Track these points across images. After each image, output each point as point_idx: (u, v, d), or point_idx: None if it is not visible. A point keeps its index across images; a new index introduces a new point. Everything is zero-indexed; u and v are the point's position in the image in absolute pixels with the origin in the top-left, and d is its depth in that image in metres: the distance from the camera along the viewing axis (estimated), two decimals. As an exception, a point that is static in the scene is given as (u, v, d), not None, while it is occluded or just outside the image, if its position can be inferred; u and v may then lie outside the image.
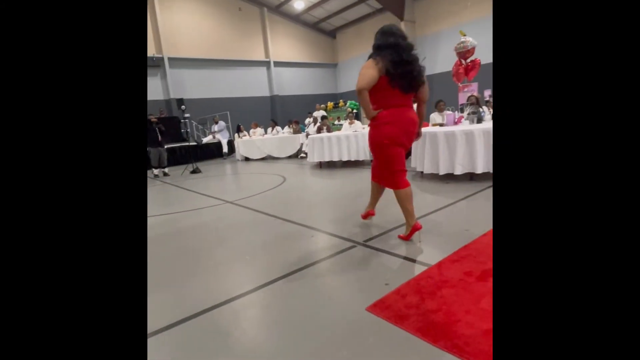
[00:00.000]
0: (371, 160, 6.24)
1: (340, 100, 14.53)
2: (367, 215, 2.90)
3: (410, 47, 2.17)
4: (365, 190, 4.36)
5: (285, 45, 16.55)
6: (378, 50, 2.18)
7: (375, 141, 2.34)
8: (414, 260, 2.09)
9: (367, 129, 6.86)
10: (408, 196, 2.32)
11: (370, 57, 2.21)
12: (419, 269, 1.95)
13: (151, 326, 1.63)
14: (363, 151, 6.24)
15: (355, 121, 7.63)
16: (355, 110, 10.88)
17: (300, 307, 1.69)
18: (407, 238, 2.40)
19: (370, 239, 2.51)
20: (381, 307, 1.58)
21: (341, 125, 9.26)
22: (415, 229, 2.34)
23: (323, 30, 17.71)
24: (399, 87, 2.16)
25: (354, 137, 6.25)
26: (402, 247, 2.28)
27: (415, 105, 2.42)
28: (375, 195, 2.74)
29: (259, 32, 15.77)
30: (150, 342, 1.52)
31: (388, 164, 2.35)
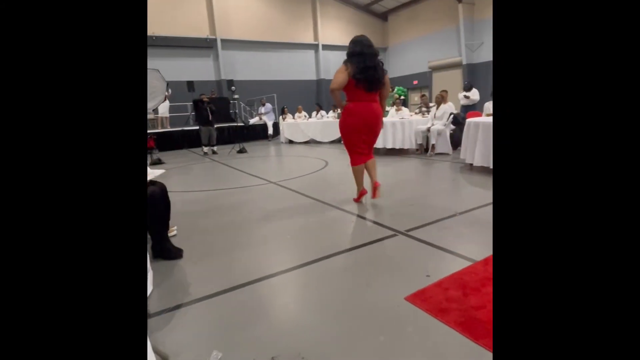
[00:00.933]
0: (416, 149, 6.06)
1: (388, 86, 14.10)
2: (360, 196, 3.22)
3: (373, 55, 2.82)
4: (409, 180, 4.24)
5: (335, 28, 16.29)
6: (348, 57, 2.83)
7: (341, 127, 3.08)
8: (458, 255, 2.01)
9: (414, 116, 6.63)
10: (358, 172, 3.11)
11: (344, 62, 2.83)
12: (462, 264, 1.87)
13: (196, 293, 1.74)
14: (409, 139, 6.05)
15: (403, 108, 7.40)
16: (403, 97, 10.53)
17: (338, 289, 1.71)
18: (357, 200, 3.21)
19: (413, 229, 2.45)
20: (421, 298, 1.55)
21: (387, 111, 9.03)
22: (362, 193, 3.17)
23: (374, 12, 17.14)
24: (363, 88, 2.81)
25: (400, 124, 6.07)
26: (445, 240, 2.21)
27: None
28: (359, 178, 3.19)
29: (309, 14, 15.65)
30: (194, 307, 1.63)
31: (347, 145, 3.11)
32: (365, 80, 2.78)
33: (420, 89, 15.89)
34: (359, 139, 2.99)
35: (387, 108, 10.49)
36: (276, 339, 1.35)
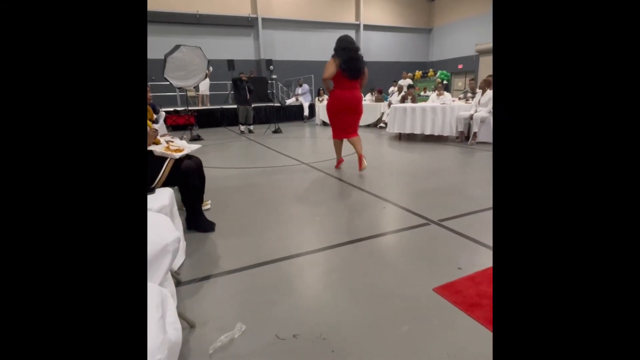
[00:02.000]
0: (457, 137, 5.80)
1: (430, 70, 13.48)
2: (338, 163, 3.97)
3: (355, 50, 3.52)
4: (446, 169, 4.07)
5: (378, 7, 15.69)
6: (336, 52, 3.47)
7: (328, 109, 3.80)
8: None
9: (457, 102, 6.31)
10: (337, 144, 3.91)
11: (332, 56, 3.46)
12: (498, 259, 1.77)
13: (225, 266, 1.79)
14: (449, 126, 5.78)
15: (445, 93, 7.05)
16: (445, 82, 10.04)
17: (364, 274, 1.69)
18: (336, 166, 3.98)
19: (446, 219, 2.35)
20: (450, 291, 1.49)
21: (427, 96, 8.65)
22: (339, 161, 3.95)
23: (421, -10, 16.28)
24: (347, 77, 3.48)
25: (440, 110, 5.80)
26: (481, 233, 2.10)
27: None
28: (338, 148, 3.98)
29: (352, -8, 15.18)
30: (223, 279, 1.68)
31: (332, 123, 3.84)
32: (349, 70, 3.44)
33: (465, 73, 15.05)
34: (342, 119, 3.71)
35: (428, 92, 10.07)
36: (298, 318, 1.36)
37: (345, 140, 3.91)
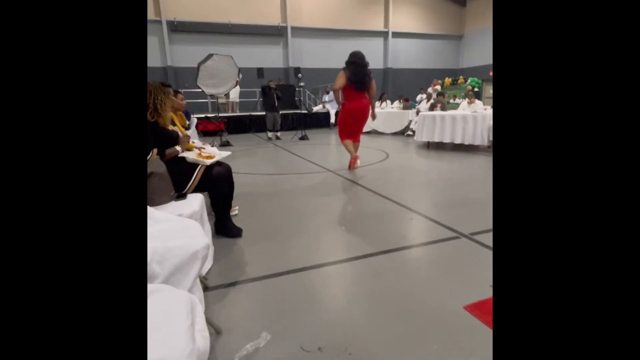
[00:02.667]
0: (488, 146, 5.61)
1: (461, 77, 13.16)
2: (355, 161, 4.18)
3: (363, 66, 3.90)
4: (477, 179, 3.93)
5: (408, 13, 15.58)
6: (346, 65, 3.89)
7: (340, 118, 4.27)
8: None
9: (489, 110, 6.12)
10: (347, 145, 4.21)
11: (342, 69, 3.86)
12: (535, 278, 1.68)
13: (252, 273, 1.81)
14: (480, 135, 5.59)
15: (476, 101, 6.85)
16: (476, 89, 9.76)
17: (392, 287, 1.64)
18: (349, 168, 4.28)
19: (477, 232, 2.26)
20: (482, 310, 1.42)
21: (457, 104, 8.44)
22: (351, 161, 4.19)
23: (452, -3, 16.03)
24: (355, 88, 3.89)
25: (471, 118, 5.63)
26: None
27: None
28: (350, 149, 4.25)
29: (381, 0, 15.16)
30: (249, 286, 1.69)
31: (340, 128, 4.29)
32: (355, 82, 3.85)
33: (497, 80, 14.59)
34: (351, 127, 4.20)
35: (458, 100, 9.84)
36: (324, 330, 1.34)
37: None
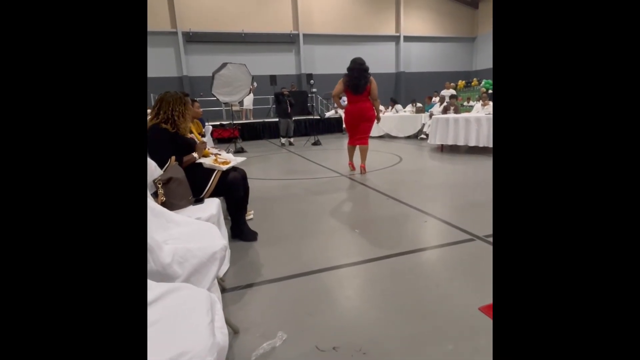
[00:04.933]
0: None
1: (474, 79, 13.02)
2: (350, 165, 4.68)
3: (361, 70, 4.19)
4: (490, 181, 3.88)
5: (419, 17, 15.56)
6: (346, 71, 4.25)
7: (344, 121, 4.69)
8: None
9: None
10: (349, 150, 4.67)
11: (344, 75, 4.27)
12: (552, 279, 1.66)
13: (267, 275, 1.85)
14: (495, 137, 5.51)
15: (490, 102, 6.76)
16: (490, 91, 9.63)
17: (406, 289, 1.65)
18: (352, 167, 4.70)
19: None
20: (498, 311, 1.41)
21: (471, 107, 8.35)
22: (350, 164, 4.70)
23: (464, -1, 15.93)
24: (351, 92, 4.26)
25: (485, 121, 5.56)
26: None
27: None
28: (349, 153, 4.73)
29: (392, 5, 15.21)
30: (265, 287, 1.73)
31: (348, 132, 4.64)
32: (350, 87, 4.22)
33: (512, 82, 14.38)
34: (351, 127, 4.48)
35: (472, 102, 9.73)
36: (338, 330, 1.36)
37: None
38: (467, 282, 1.70)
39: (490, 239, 2.17)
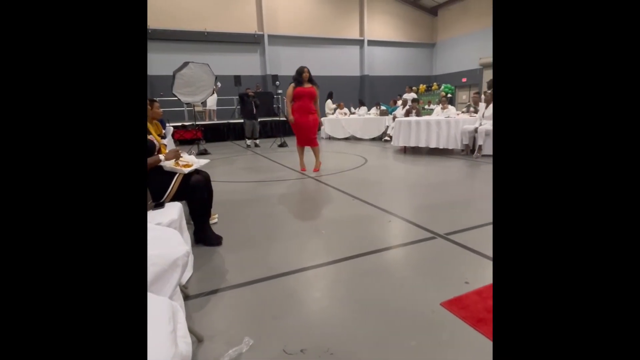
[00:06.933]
0: (462, 150, 5.79)
1: (434, 84, 13.59)
2: (302, 167, 4.98)
3: (305, 77, 4.59)
4: (451, 182, 4.07)
5: (382, 23, 15.98)
6: (293, 78, 4.67)
7: (292, 124, 4.86)
8: (501, 263, 1.89)
9: (461, 115, 6.33)
10: (299, 151, 5.06)
11: (290, 83, 4.67)
12: (506, 273, 1.76)
13: (232, 280, 1.81)
14: (454, 139, 5.79)
15: (449, 106, 7.09)
16: (450, 95, 10.10)
17: (370, 288, 1.69)
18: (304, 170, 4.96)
19: (453, 232, 2.35)
20: (458, 306, 1.48)
21: (432, 110, 8.71)
22: (302, 168, 5.00)
23: (424, 7, 16.58)
24: (300, 96, 4.58)
25: (445, 123, 5.83)
26: (488, 247, 2.09)
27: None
28: (301, 155, 5.10)
29: (356, 9, 15.48)
30: (230, 293, 1.69)
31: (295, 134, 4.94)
32: (298, 92, 4.59)
33: (469, 86, 15.15)
34: (299, 131, 4.80)
35: (432, 106, 10.17)
36: (306, 332, 1.36)
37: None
38: (429, 278, 1.76)
39: (450, 237, 2.27)
